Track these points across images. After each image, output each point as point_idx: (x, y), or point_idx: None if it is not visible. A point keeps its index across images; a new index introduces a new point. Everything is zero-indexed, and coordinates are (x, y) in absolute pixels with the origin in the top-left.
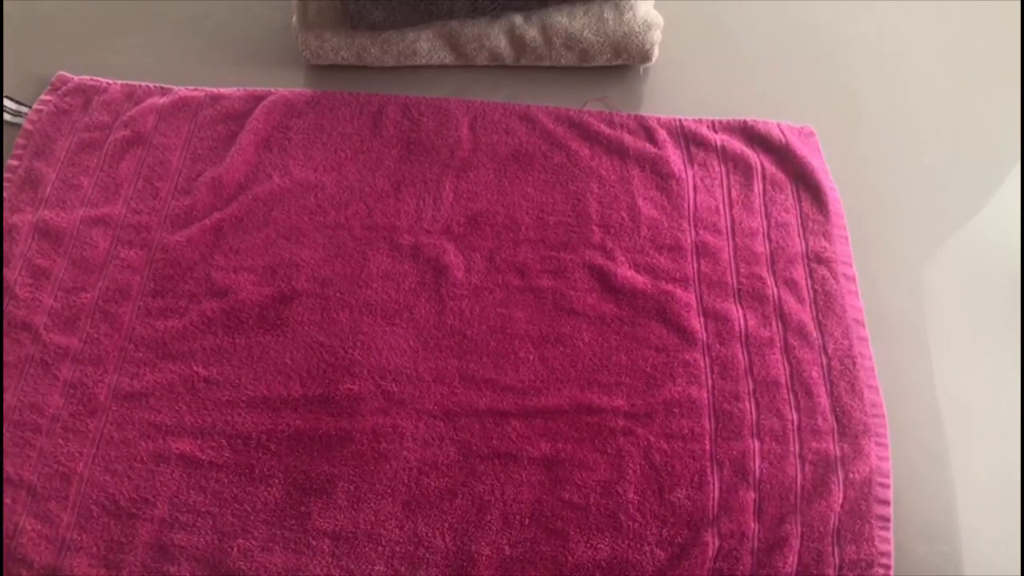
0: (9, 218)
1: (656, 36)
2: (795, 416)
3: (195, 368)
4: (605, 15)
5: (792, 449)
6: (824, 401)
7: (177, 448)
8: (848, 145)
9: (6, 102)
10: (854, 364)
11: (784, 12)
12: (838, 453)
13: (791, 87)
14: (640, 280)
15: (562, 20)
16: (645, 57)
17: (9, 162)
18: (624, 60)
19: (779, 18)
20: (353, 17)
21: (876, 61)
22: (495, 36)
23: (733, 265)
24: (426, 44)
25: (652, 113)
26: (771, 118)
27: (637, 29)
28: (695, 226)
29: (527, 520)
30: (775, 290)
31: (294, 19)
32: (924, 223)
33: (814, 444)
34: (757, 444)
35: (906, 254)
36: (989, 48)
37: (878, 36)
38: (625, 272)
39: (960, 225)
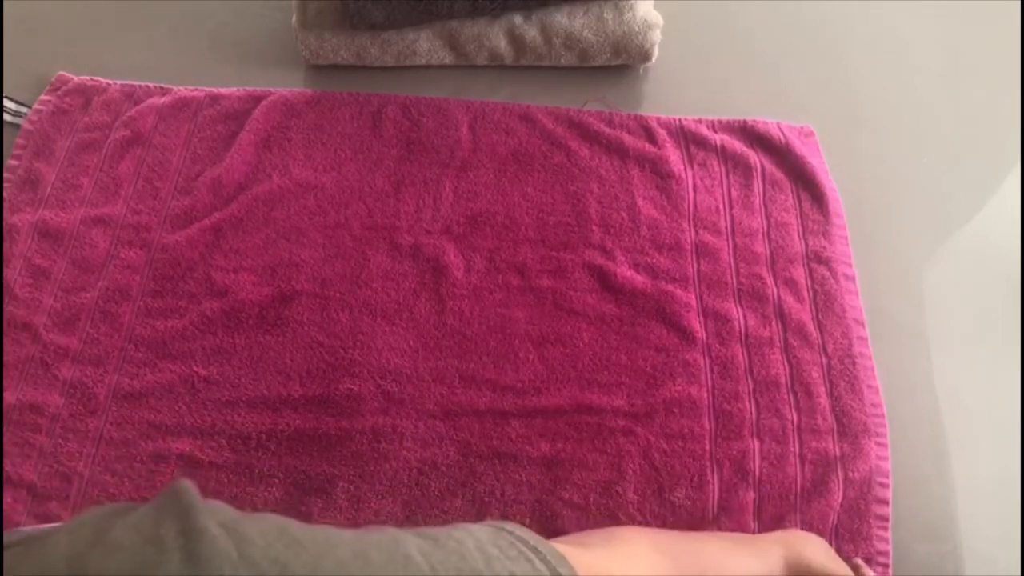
0: (9, 218)
1: (656, 36)
2: (795, 416)
3: (195, 368)
4: (605, 15)
5: (792, 449)
6: (824, 401)
7: (177, 448)
8: (848, 145)
9: (6, 102)
10: (854, 364)
11: (784, 12)
12: (838, 453)
13: (791, 87)
14: (640, 280)
15: (562, 20)
16: (645, 57)
17: (9, 162)
18: (624, 60)
19: (779, 18)
20: (353, 17)
21: (876, 61)
22: (495, 36)
23: (733, 265)
24: (426, 44)
25: (652, 113)
26: (771, 118)
27: (637, 29)
28: (695, 226)
29: (527, 520)
30: (775, 290)
31: (294, 19)
32: (924, 223)
33: (814, 444)
34: (757, 444)
35: (906, 254)
36: (989, 48)
37: (879, 36)
38: (625, 272)
39: (960, 225)
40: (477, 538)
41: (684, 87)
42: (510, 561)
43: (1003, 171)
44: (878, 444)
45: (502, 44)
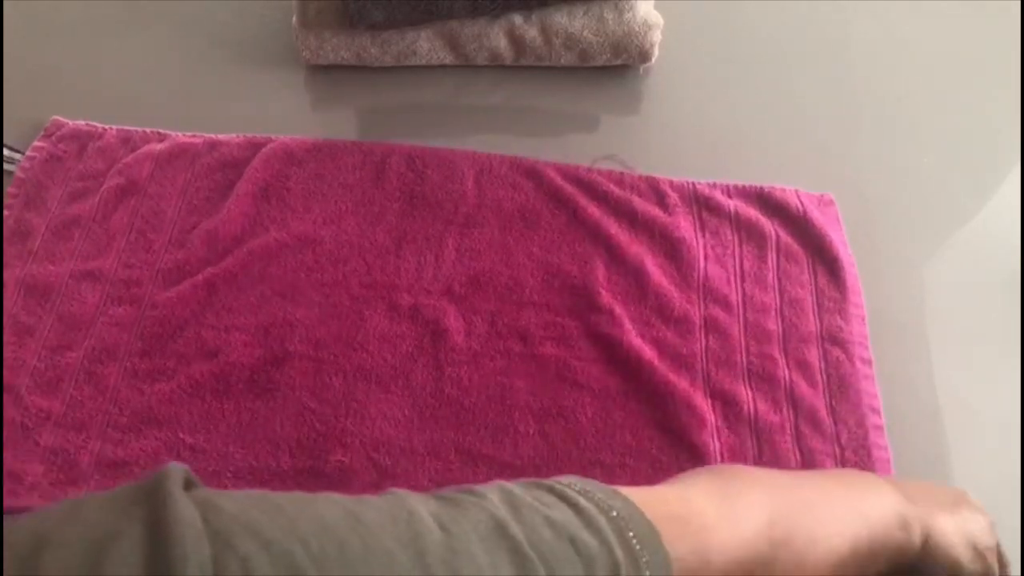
0: None
1: (656, 36)
2: None
3: (181, 435)
4: (605, 15)
5: None
6: None
7: None
8: (848, 144)
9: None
10: (869, 455)
11: (785, 11)
12: None
13: (792, 86)
14: (647, 353)
15: (562, 20)
16: (645, 57)
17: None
18: (624, 60)
19: (780, 18)
20: (353, 17)
21: (878, 60)
22: (495, 36)
23: (743, 343)
24: (426, 44)
25: (651, 113)
26: (770, 117)
27: (637, 29)
28: (704, 299)
29: None
30: (786, 372)
31: (294, 19)
32: (924, 223)
33: None
34: None
35: (906, 254)
36: (989, 48)
37: (880, 35)
38: (632, 341)
39: (960, 225)
40: (506, 490)
41: (684, 87)
42: (546, 507)
43: (1003, 171)
44: None
45: (502, 44)
